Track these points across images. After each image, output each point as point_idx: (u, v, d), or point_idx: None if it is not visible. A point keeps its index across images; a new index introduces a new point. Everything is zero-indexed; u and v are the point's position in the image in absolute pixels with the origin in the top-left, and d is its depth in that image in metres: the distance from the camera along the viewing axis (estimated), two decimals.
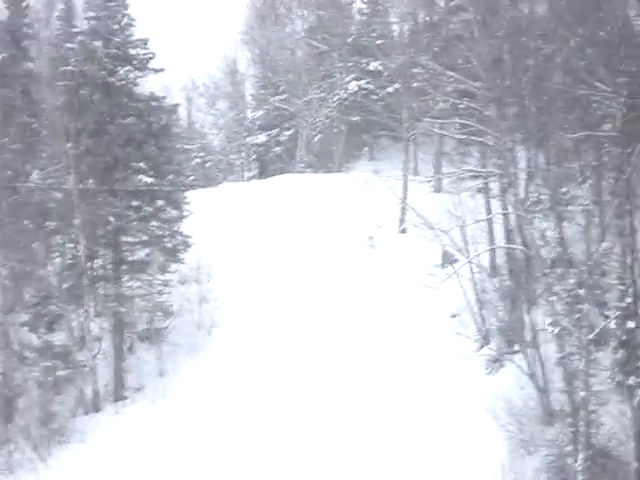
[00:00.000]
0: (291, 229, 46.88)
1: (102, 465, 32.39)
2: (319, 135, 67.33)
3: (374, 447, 30.54)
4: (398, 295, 39.31)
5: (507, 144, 31.43)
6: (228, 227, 47.72)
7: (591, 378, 27.87)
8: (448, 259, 39.72)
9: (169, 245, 40.00)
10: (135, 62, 40.17)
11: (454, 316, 37.03)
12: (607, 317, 28.64)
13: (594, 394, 27.91)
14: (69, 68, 40.23)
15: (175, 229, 40.33)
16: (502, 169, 32.25)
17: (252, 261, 44.37)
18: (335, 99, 64.50)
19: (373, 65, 61.90)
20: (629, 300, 27.93)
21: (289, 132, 69.17)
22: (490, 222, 37.33)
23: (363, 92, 62.32)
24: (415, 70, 47.29)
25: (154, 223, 39.72)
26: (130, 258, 39.68)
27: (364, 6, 66.50)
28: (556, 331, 29.29)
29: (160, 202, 39.75)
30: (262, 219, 48.53)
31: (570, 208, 32.91)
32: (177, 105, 45.46)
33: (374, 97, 61.27)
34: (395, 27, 62.08)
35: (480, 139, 34.55)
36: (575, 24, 33.32)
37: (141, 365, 38.41)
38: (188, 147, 65.37)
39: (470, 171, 37.32)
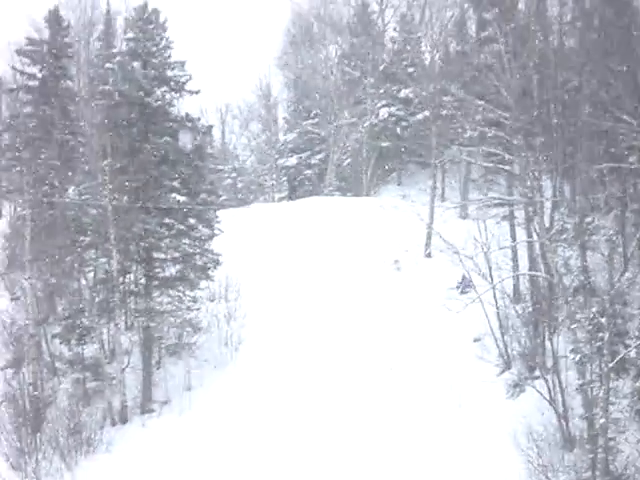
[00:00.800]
0: (319, 250, 47.37)
1: (127, 476, 32.69)
2: (349, 159, 68.01)
3: (395, 468, 30.72)
4: (422, 318, 39.66)
5: (534, 173, 31.73)
6: (257, 246, 48.25)
7: (611, 406, 27.95)
8: (465, 284, 40.31)
9: (199, 262, 40.53)
10: (172, 83, 40.81)
11: (477, 340, 37.24)
12: (628, 346, 28.84)
13: (613, 421, 28.03)
14: (107, 88, 41.05)
15: (206, 247, 40.85)
16: (528, 197, 32.51)
17: (280, 280, 44.91)
18: (366, 124, 65.12)
19: (404, 92, 62.60)
20: None
21: (319, 155, 69.84)
22: (514, 249, 37.65)
23: (393, 118, 63.00)
24: (445, 98, 47.94)
25: (185, 241, 40.31)
26: (161, 274, 40.26)
27: (397, 34, 67.25)
28: (577, 358, 29.43)
29: (192, 220, 40.33)
30: (291, 240, 49.05)
31: (594, 237, 33.10)
32: (211, 126, 46.04)
33: (404, 124, 61.92)
34: (426, 56, 62.74)
35: (507, 167, 34.91)
36: (603, 58, 33.76)
37: (169, 379, 38.85)
38: (221, 167, 66.22)
39: (496, 198, 37.72)
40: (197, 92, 41.34)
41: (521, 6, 40.71)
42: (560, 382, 30.72)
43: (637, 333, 29.01)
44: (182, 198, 39.67)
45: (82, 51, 64.44)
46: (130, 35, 41.94)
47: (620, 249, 33.46)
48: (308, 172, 70.04)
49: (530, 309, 34.99)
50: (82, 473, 33.83)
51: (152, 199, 39.51)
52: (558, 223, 34.35)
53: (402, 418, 33.44)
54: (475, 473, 29.58)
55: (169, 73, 40.89)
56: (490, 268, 35.11)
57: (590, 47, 35.32)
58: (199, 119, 42.50)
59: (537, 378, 32.22)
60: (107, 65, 42.46)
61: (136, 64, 40.46)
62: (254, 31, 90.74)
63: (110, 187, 38.85)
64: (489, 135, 34.63)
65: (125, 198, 39.67)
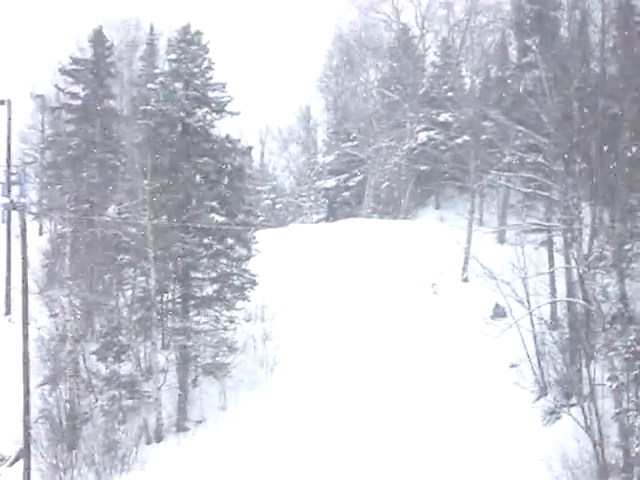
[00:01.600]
0: (355, 272, 47.40)
1: None
2: (387, 182, 68.06)
3: None
4: (458, 342, 39.57)
5: (573, 200, 31.69)
6: (294, 268, 48.36)
7: None
8: (499, 312, 40.34)
9: (236, 282, 40.71)
10: (213, 104, 41.11)
11: (513, 366, 37.15)
12: None
13: None
14: (149, 107, 41.49)
15: (243, 267, 41.04)
16: (567, 224, 32.48)
17: (316, 302, 44.96)
18: (404, 148, 65.24)
19: (443, 116, 62.60)
20: None
21: (358, 178, 70.00)
22: (552, 275, 37.52)
23: (432, 142, 63.01)
24: (484, 123, 47.96)
25: (223, 260, 40.49)
26: (198, 294, 40.45)
27: (437, 59, 67.39)
28: (614, 386, 29.36)
29: (230, 240, 40.51)
30: (327, 261, 49.14)
31: (633, 265, 33.02)
32: (251, 147, 46.37)
33: (443, 147, 61.91)
34: (467, 80, 62.77)
35: (546, 193, 34.85)
36: None
37: (204, 398, 39.01)
38: (259, 188, 66.58)
39: (534, 224, 37.63)
40: (237, 113, 41.68)
41: (563, 32, 40.77)
42: (596, 410, 30.43)
43: None
44: (221, 218, 39.85)
45: (125, 71, 65.06)
46: (173, 56, 42.31)
47: None
48: (346, 194, 70.20)
49: (567, 336, 34.81)
50: None
51: (191, 219, 39.70)
52: (597, 250, 34.16)
53: (437, 442, 33.37)
54: None
55: (210, 94, 41.23)
56: (527, 294, 35.00)
57: (631, 74, 35.18)
58: (239, 140, 42.67)
59: (573, 405, 32.07)
60: (149, 85, 42.91)
61: (178, 85, 40.75)
62: (295, 53, 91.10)
63: (150, 206, 39.18)
64: (528, 160, 34.61)
65: (164, 217, 40.03)
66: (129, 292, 42.67)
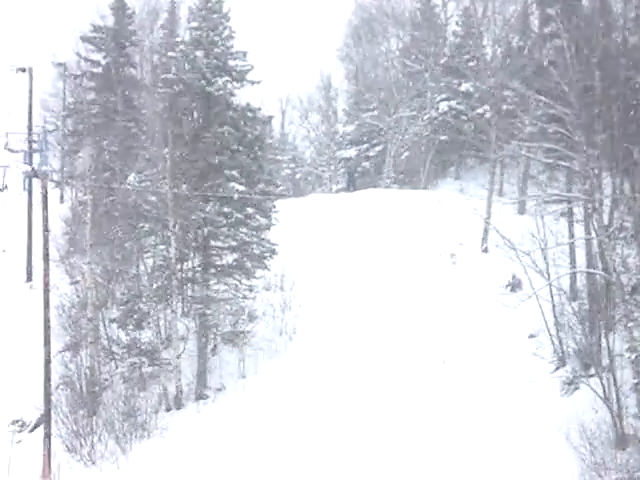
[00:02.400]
0: (374, 242, 47.42)
1: (180, 460, 33.04)
2: (407, 152, 67.91)
3: (446, 461, 30.67)
4: (477, 312, 39.57)
5: (594, 170, 31.57)
6: (313, 237, 48.41)
7: None
8: (516, 284, 40.38)
9: (256, 251, 40.77)
10: (234, 73, 40.97)
11: (532, 337, 37.14)
12: None
13: None
14: (170, 76, 41.37)
15: (263, 236, 41.13)
16: (587, 194, 32.34)
17: (335, 271, 45.02)
18: (425, 118, 65.05)
19: (464, 86, 62.41)
20: None
21: (378, 148, 69.89)
22: (572, 246, 37.41)
23: (453, 112, 62.82)
24: (506, 93, 47.76)
25: (243, 229, 40.40)
26: (218, 262, 40.52)
27: (458, 28, 67.05)
28: (633, 357, 29.36)
29: (250, 210, 40.48)
30: (347, 231, 49.15)
31: None
32: (271, 117, 46.23)
33: (464, 117, 61.68)
34: (488, 50, 62.40)
35: (567, 164, 34.74)
36: None
37: (223, 366, 39.21)
38: (279, 158, 66.54)
39: (555, 195, 37.49)
40: (258, 82, 41.52)
41: (585, 2, 40.48)
42: (615, 380, 30.45)
43: None
44: (241, 187, 39.78)
45: (146, 39, 64.99)
46: (194, 24, 42.19)
47: None
48: (366, 164, 70.14)
49: (586, 307, 34.80)
50: (136, 457, 34.25)
51: (211, 188, 39.70)
52: (617, 221, 34.10)
53: (454, 412, 33.42)
54: (527, 469, 29.42)
55: (231, 63, 41.05)
56: (547, 264, 34.97)
57: None
58: (260, 109, 42.51)
59: (592, 376, 32.00)
60: (170, 53, 42.71)
61: (199, 53, 40.56)
62: (316, 22, 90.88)
63: (170, 175, 39.20)
64: (549, 131, 34.44)
65: (185, 186, 39.97)
66: (149, 260, 42.76)
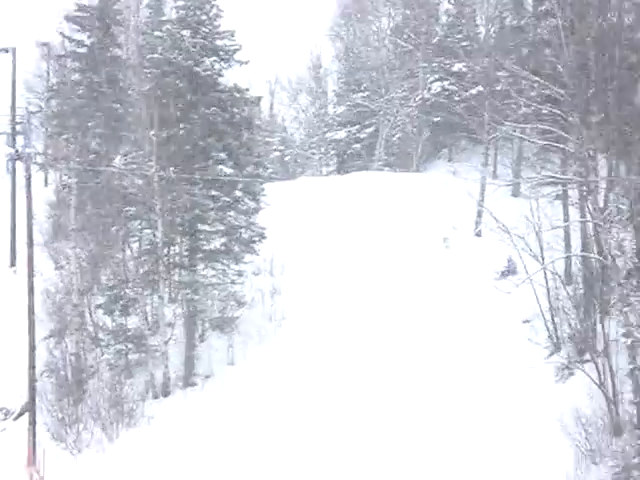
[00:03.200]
0: (366, 226, 46.98)
1: (167, 448, 32.61)
2: (399, 134, 67.35)
3: (439, 450, 30.27)
4: (470, 297, 39.16)
5: (589, 152, 31.05)
6: (304, 221, 47.96)
7: None
8: (510, 269, 39.95)
9: (245, 236, 40.30)
10: (221, 53, 40.47)
11: (526, 322, 36.72)
12: None
13: None
14: (156, 56, 40.72)
15: (251, 220, 40.67)
16: (582, 177, 31.84)
17: (325, 256, 44.57)
18: (417, 99, 64.40)
19: (457, 66, 61.60)
20: None
21: (369, 129, 69.27)
22: (567, 229, 36.95)
23: (445, 93, 62.12)
24: (499, 73, 47.07)
25: (231, 213, 40.02)
26: (206, 247, 39.96)
27: (451, 7, 66.42)
28: (629, 342, 28.92)
29: (238, 193, 40.03)
30: (338, 215, 48.71)
31: None
32: (260, 98, 45.63)
33: (456, 98, 60.98)
34: (481, 29, 61.80)
35: (562, 146, 34.19)
36: None
37: (212, 353, 38.68)
38: (268, 140, 65.98)
39: (549, 177, 36.91)
40: (246, 62, 40.95)
41: None
42: (610, 366, 30.09)
43: None
44: (229, 170, 39.34)
45: (131, 18, 64.39)
46: (180, 3, 41.57)
47: None
48: (357, 146, 69.55)
49: (581, 291, 34.39)
50: (123, 445, 33.90)
51: (199, 170, 39.17)
52: (613, 204, 33.63)
53: (448, 399, 33.02)
54: (522, 456, 29.07)
55: (218, 42, 40.59)
56: (541, 248, 34.51)
57: None
58: (248, 90, 41.98)
59: (587, 362, 31.60)
60: (156, 33, 42.07)
61: (185, 33, 40.04)
62: (306, 2, 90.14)
63: (156, 157, 38.65)
64: (544, 112, 33.86)
65: (171, 169, 39.31)
66: (136, 245, 42.32)
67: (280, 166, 72.47)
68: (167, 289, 40.56)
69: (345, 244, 45.31)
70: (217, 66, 40.26)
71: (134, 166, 40.78)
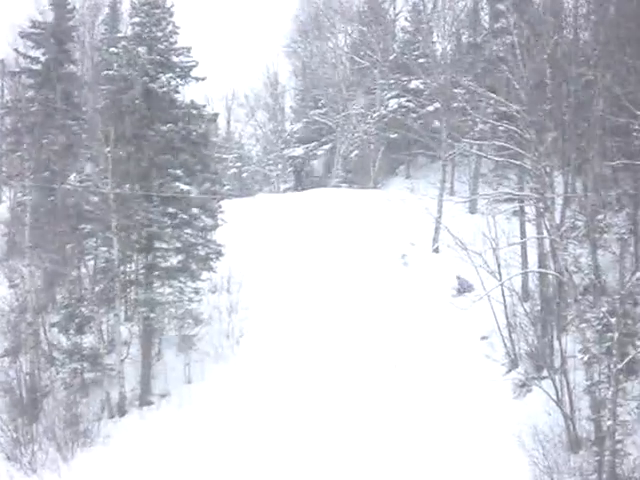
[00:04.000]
0: (324, 243, 46.86)
1: (123, 468, 32.23)
2: (356, 150, 67.40)
3: (397, 466, 30.22)
4: (428, 314, 39.19)
5: (545, 169, 31.16)
6: (261, 238, 47.75)
7: (619, 407, 27.43)
8: (463, 286, 40.08)
9: (202, 253, 39.95)
10: (177, 70, 40.16)
11: (484, 338, 36.84)
12: (637, 347, 28.31)
13: (621, 424, 27.50)
14: (111, 73, 40.40)
15: (208, 237, 40.41)
16: (538, 193, 31.92)
17: (283, 273, 44.39)
18: (374, 115, 64.50)
19: (414, 83, 61.86)
20: None
21: (327, 146, 69.39)
22: (524, 246, 37.11)
23: (403, 110, 62.27)
24: (456, 90, 47.28)
25: (188, 230, 39.63)
26: (162, 264, 39.54)
27: (407, 24, 66.60)
28: (585, 358, 28.96)
29: (195, 210, 39.68)
30: (295, 232, 48.55)
31: (605, 236, 32.71)
32: (217, 114, 45.43)
33: (413, 115, 61.19)
34: (438, 46, 62.01)
35: (518, 162, 34.30)
36: (617, 52, 33.16)
37: (168, 371, 38.35)
38: (225, 156, 65.77)
39: (506, 194, 37.13)
40: (203, 79, 40.76)
41: None
42: (568, 383, 30.19)
43: None
44: (186, 187, 39.03)
45: (87, 35, 64.04)
46: (136, 19, 41.14)
47: (631, 248, 33.01)
48: (314, 163, 69.61)
49: (538, 307, 34.60)
50: (79, 465, 33.41)
51: (155, 187, 38.89)
52: (569, 220, 33.91)
53: (406, 416, 32.98)
54: (480, 473, 29.11)
55: (175, 59, 40.30)
56: (499, 265, 34.58)
57: (605, 41, 34.67)
58: (205, 106, 41.98)
59: (544, 378, 31.82)
60: (112, 49, 41.72)
61: (141, 49, 39.71)
62: (262, 18, 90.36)
63: (112, 174, 38.20)
64: (500, 129, 34.00)
65: (127, 186, 39.07)
66: (91, 262, 41.95)
67: (237, 183, 72.24)
68: (123, 307, 40.30)
69: (303, 261, 45.17)
70: (173, 82, 39.97)
71: (89, 183, 40.41)
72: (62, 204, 41.98)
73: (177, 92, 40.31)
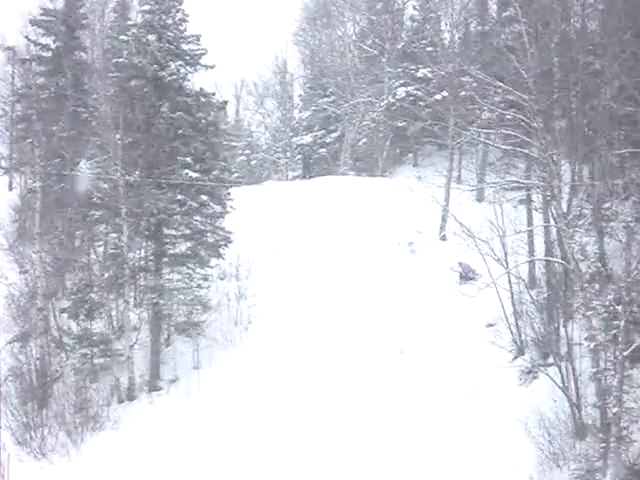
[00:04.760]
0: (331, 230, 46.97)
1: (133, 453, 32.48)
2: (364, 139, 67.47)
3: (403, 453, 30.37)
4: (435, 301, 39.21)
5: (552, 157, 31.24)
6: (269, 225, 47.89)
7: (624, 395, 27.53)
8: (465, 271, 40.20)
9: (210, 240, 40.15)
10: (187, 57, 40.35)
11: (490, 325, 36.92)
12: None
13: (626, 411, 27.56)
14: (121, 60, 40.55)
15: (217, 224, 40.54)
16: (546, 181, 31.99)
17: (291, 260, 44.57)
18: (382, 104, 64.53)
19: (422, 72, 61.88)
20: None
21: (335, 134, 69.42)
22: (531, 234, 37.21)
23: (410, 98, 62.31)
24: (464, 79, 47.32)
25: (197, 217, 39.91)
26: (171, 251, 39.81)
27: (416, 13, 66.58)
28: (592, 346, 29.04)
29: (204, 197, 39.85)
30: (303, 219, 48.68)
31: (612, 224, 32.71)
32: (226, 102, 45.51)
33: (421, 104, 61.20)
34: (446, 35, 62.01)
35: (525, 151, 34.40)
36: (625, 41, 33.21)
37: (177, 357, 38.64)
38: (234, 144, 65.64)
39: (513, 182, 37.19)
40: (212, 67, 40.87)
41: None
42: (574, 370, 30.29)
43: None
44: (195, 174, 39.21)
45: (97, 22, 64.08)
46: (146, 7, 41.31)
47: (638, 236, 32.87)
48: (323, 151, 69.61)
49: (545, 295, 34.58)
50: (88, 449, 33.64)
51: (164, 174, 38.95)
52: (576, 208, 33.95)
53: (412, 403, 33.12)
54: (485, 459, 29.23)
55: (184, 47, 40.47)
56: (505, 253, 34.69)
57: (612, 30, 34.68)
58: (214, 94, 41.98)
59: (550, 365, 31.85)
60: (122, 37, 41.83)
61: (151, 37, 39.88)
62: (271, 6, 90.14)
63: (122, 161, 38.42)
64: (508, 117, 34.05)
65: (137, 173, 39.07)
66: (101, 249, 42.10)
67: (246, 170, 72.29)
68: (132, 293, 40.44)
69: (311, 248, 45.29)
70: (183, 70, 40.10)
71: (99, 170, 40.48)
72: (72, 191, 42.10)
73: (186, 80, 40.40)
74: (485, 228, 35.39)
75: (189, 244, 39.92)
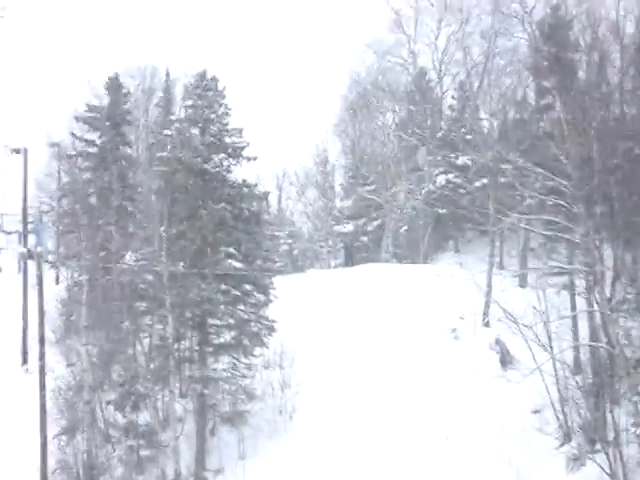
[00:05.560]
0: (375, 318, 47.04)
1: None
2: (405, 226, 67.83)
3: None
4: (480, 387, 39.02)
5: (594, 242, 31.30)
6: (313, 313, 48.05)
7: None
8: (503, 351, 40.06)
9: (254, 329, 40.27)
10: (230, 150, 40.86)
11: (536, 412, 36.59)
12: None
13: None
14: (166, 154, 41.22)
15: (261, 313, 40.67)
16: (588, 266, 32.03)
17: (335, 348, 44.55)
18: (423, 191, 65.01)
19: (462, 159, 62.42)
20: None
21: (376, 222, 69.88)
22: (575, 319, 37.06)
23: (451, 185, 62.77)
24: (503, 166, 47.64)
25: (241, 307, 40.06)
26: (216, 341, 39.95)
27: (454, 102, 67.33)
28: (638, 431, 28.86)
29: (247, 286, 40.09)
30: (346, 307, 48.81)
31: None
32: (268, 192, 46.00)
33: (461, 191, 61.63)
34: (485, 123, 62.61)
35: (567, 236, 34.48)
36: None
37: (222, 447, 38.51)
38: (277, 233, 66.30)
39: (556, 267, 37.19)
40: (255, 158, 41.29)
41: (581, 74, 40.55)
42: (621, 456, 29.90)
43: None
44: (238, 264, 39.51)
45: (141, 117, 65.36)
46: (189, 102, 42.17)
47: None
48: (364, 239, 70.04)
49: (590, 380, 34.32)
50: None
51: (208, 265, 39.23)
52: (619, 293, 33.75)
53: None
54: None
55: (227, 140, 40.97)
56: (550, 338, 34.53)
57: None
58: (256, 185, 42.40)
59: (598, 452, 31.45)
60: (166, 132, 42.64)
61: (194, 131, 40.61)
62: (312, 98, 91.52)
63: (166, 253, 38.85)
64: (549, 203, 34.23)
65: (181, 264, 39.46)
66: (146, 340, 42.33)
67: (289, 259, 72.73)
68: (178, 384, 40.54)
69: (354, 335, 45.33)
70: (226, 163, 40.61)
71: (144, 262, 40.87)
72: (118, 283, 42.55)
73: (229, 171, 40.87)
74: (528, 314, 35.28)
75: (233, 333, 39.97)
